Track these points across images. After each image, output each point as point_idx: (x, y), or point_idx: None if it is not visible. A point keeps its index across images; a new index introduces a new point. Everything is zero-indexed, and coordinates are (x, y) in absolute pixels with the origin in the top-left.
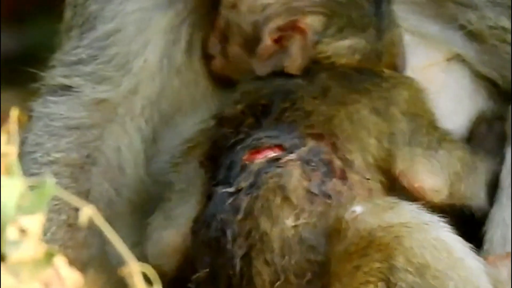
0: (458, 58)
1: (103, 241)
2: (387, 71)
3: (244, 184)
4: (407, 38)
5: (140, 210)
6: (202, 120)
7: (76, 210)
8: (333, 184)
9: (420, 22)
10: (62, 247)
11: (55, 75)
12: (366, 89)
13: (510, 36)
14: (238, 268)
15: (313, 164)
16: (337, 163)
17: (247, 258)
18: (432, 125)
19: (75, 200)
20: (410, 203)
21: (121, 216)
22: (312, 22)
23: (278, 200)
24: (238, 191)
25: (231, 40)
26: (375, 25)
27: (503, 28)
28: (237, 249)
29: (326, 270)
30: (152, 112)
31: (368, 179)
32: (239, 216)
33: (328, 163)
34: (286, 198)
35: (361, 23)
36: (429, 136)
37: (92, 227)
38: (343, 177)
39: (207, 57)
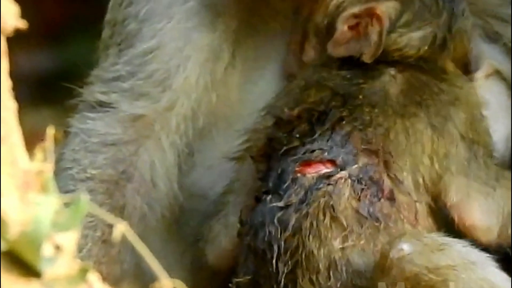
0: (497, 75)
1: (136, 257)
2: (451, 69)
3: (294, 199)
4: None
5: (172, 225)
6: (239, 132)
7: (110, 226)
8: (381, 205)
9: None
10: (97, 263)
11: (93, 92)
12: (425, 101)
13: None
14: (282, 284)
15: (363, 183)
16: (387, 182)
17: (292, 275)
18: (489, 156)
19: (108, 216)
20: (460, 241)
21: (153, 231)
22: (387, 9)
23: (327, 220)
24: (288, 206)
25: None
26: (449, 9)
27: None
28: (282, 265)
29: None
30: (187, 128)
31: (416, 201)
32: (287, 233)
33: (377, 182)
34: (335, 219)
35: (436, 9)
36: (487, 170)
37: (125, 243)
38: (391, 198)
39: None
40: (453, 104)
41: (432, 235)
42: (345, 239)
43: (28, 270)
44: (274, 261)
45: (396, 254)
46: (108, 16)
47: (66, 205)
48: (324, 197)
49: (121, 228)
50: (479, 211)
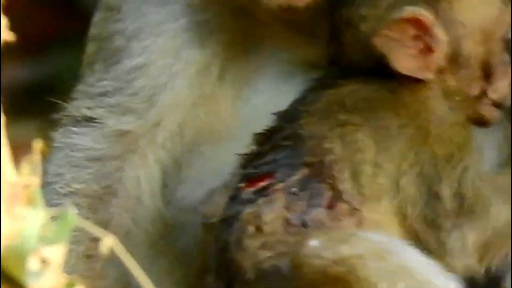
0: None
1: (121, 272)
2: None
3: (228, 214)
4: None
5: (158, 241)
6: (230, 150)
7: (95, 240)
8: (317, 214)
9: None
10: (81, 278)
11: (79, 106)
12: (371, 114)
13: None
14: None
15: (299, 194)
16: (327, 192)
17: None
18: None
19: (97, 230)
20: (371, 232)
21: (139, 247)
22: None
23: (252, 231)
24: (222, 221)
25: None
26: None
27: None
28: (219, 279)
29: None
30: (174, 143)
31: (356, 209)
32: (219, 247)
33: (317, 192)
34: (259, 229)
35: None
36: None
37: (110, 257)
38: (331, 207)
39: None
40: (404, 125)
41: (342, 229)
42: (271, 247)
43: (14, 284)
44: (214, 275)
45: (306, 251)
46: (92, 31)
47: (53, 218)
48: (254, 210)
49: (109, 242)
50: None
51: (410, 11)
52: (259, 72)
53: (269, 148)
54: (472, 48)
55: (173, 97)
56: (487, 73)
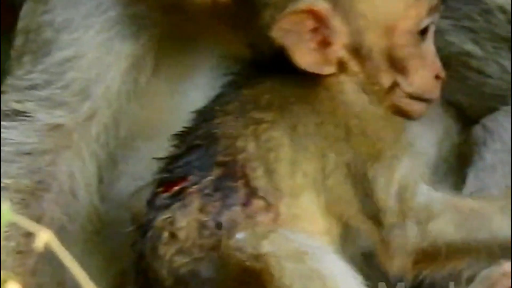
0: None
1: (56, 268)
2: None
3: (144, 221)
4: None
5: (94, 236)
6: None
7: (27, 236)
8: (231, 214)
9: None
10: (13, 275)
11: (7, 100)
12: (288, 110)
13: (474, 61)
14: None
15: (214, 194)
16: (242, 190)
17: None
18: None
19: (32, 225)
20: (294, 231)
21: (74, 242)
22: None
23: (166, 237)
24: (138, 228)
25: None
26: None
27: (468, 54)
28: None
29: None
30: (108, 137)
31: (271, 204)
32: (137, 257)
33: (232, 191)
34: (173, 235)
35: None
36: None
37: (42, 254)
38: (246, 204)
39: None
40: (321, 122)
41: (266, 225)
42: (186, 253)
43: None
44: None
45: (231, 245)
46: (20, 24)
47: None
48: (167, 215)
49: (44, 237)
50: None
51: (306, 2)
52: (196, 67)
53: (185, 150)
54: (374, 40)
55: (106, 90)
56: (397, 66)
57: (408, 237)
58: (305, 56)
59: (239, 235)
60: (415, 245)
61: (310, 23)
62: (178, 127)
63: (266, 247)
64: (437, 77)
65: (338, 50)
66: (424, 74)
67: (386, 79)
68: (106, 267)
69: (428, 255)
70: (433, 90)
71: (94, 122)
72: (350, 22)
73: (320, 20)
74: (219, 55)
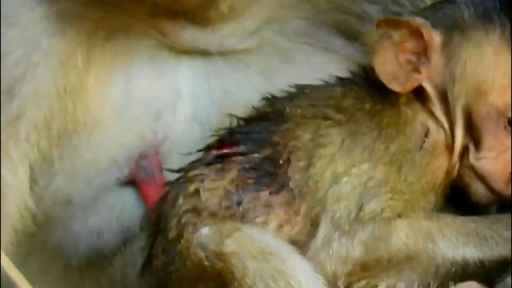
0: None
1: None
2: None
3: (184, 169)
4: (310, 53)
5: (30, 238)
6: (103, 140)
7: None
8: (255, 196)
9: (325, 37)
10: None
11: None
12: (354, 113)
13: None
14: (148, 246)
15: (252, 171)
16: (278, 179)
17: (153, 238)
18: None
19: None
20: (261, 230)
21: (10, 245)
22: None
23: (189, 190)
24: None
25: None
26: None
27: None
28: (150, 226)
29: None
30: (40, 137)
31: (295, 201)
32: (159, 199)
33: (268, 176)
34: (197, 191)
35: None
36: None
37: None
38: (274, 193)
39: None
40: (380, 134)
41: (233, 222)
42: (199, 213)
43: None
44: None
45: (194, 240)
46: None
47: None
48: (202, 171)
49: None
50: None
51: (425, 25)
52: (130, 61)
53: (255, 117)
54: (461, 93)
55: (35, 89)
56: (473, 133)
57: (354, 250)
58: (387, 64)
59: (203, 231)
60: (358, 258)
61: (414, 44)
62: (112, 121)
63: (229, 245)
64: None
65: (422, 80)
66: (496, 161)
67: (459, 137)
68: (47, 267)
69: (367, 270)
70: (502, 181)
71: (22, 122)
72: (450, 66)
73: (425, 47)
74: (154, 46)
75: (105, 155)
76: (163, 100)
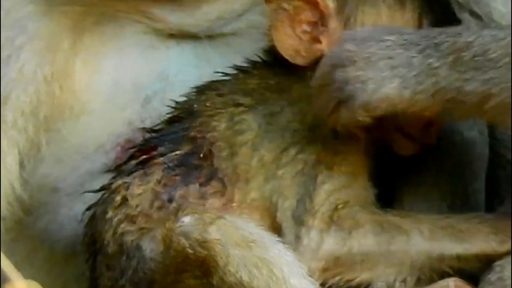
0: None
1: None
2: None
3: (105, 185)
4: None
5: (18, 222)
6: (90, 125)
7: None
8: (186, 191)
9: None
10: None
11: None
12: (265, 98)
13: None
14: (89, 270)
15: (176, 169)
16: (204, 170)
17: (92, 260)
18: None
19: None
20: (244, 220)
21: None
22: None
23: (117, 200)
24: (101, 189)
25: None
26: None
27: None
28: (86, 250)
29: (158, 281)
30: (27, 122)
31: (227, 188)
32: (88, 218)
33: (194, 169)
34: (125, 200)
35: None
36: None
37: None
38: (203, 185)
39: None
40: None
41: (214, 210)
42: (134, 221)
43: None
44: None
45: (176, 228)
46: None
47: None
48: (126, 180)
49: None
50: None
51: None
52: (119, 46)
53: (167, 121)
54: None
55: (20, 73)
56: None
57: (324, 244)
58: (286, 39)
59: (186, 219)
60: (329, 252)
61: (309, 14)
62: (100, 106)
63: (213, 233)
64: None
65: (324, 49)
66: None
67: None
68: (33, 253)
69: (341, 264)
70: (418, 129)
71: (8, 107)
72: (347, 29)
73: (321, 15)
74: (142, 32)
75: (92, 141)
76: (152, 86)
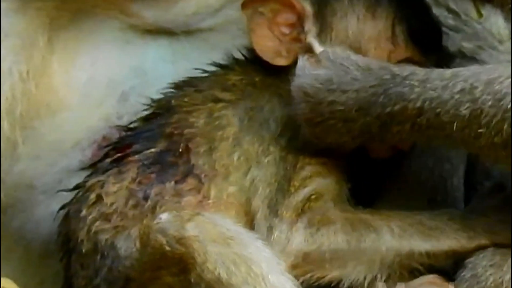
0: None
1: None
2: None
3: (80, 183)
4: None
5: None
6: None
7: None
8: (161, 188)
9: None
10: None
11: None
12: (239, 89)
13: None
14: (64, 269)
15: (152, 166)
16: (180, 167)
17: (67, 259)
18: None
19: None
20: (222, 217)
21: None
22: None
23: (91, 198)
24: (75, 188)
25: None
26: None
27: None
28: (60, 249)
29: (134, 279)
30: (2, 120)
31: (204, 184)
32: (62, 217)
33: (170, 167)
34: (100, 198)
35: None
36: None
37: None
38: (179, 182)
39: None
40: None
41: (191, 207)
42: (109, 219)
43: None
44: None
45: (154, 224)
46: None
47: None
48: (101, 179)
49: None
50: None
51: None
52: (95, 43)
53: (143, 118)
54: None
55: None
56: None
57: (293, 239)
58: (266, 41)
59: (164, 216)
60: (298, 248)
61: (286, 16)
62: (76, 103)
63: (190, 230)
64: None
65: (303, 49)
66: None
67: None
68: (9, 251)
69: (311, 261)
70: None
71: None
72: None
73: (298, 17)
74: (118, 28)
75: (68, 137)
76: (129, 82)
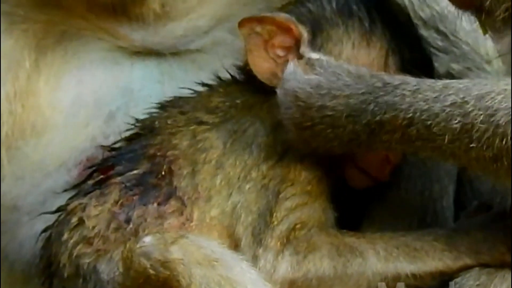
0: None
1: None
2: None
3: (62, 206)
4: None
5: None
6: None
7: None
8: (143, 211)
9: None
10: None
11: None
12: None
13: None
14: None
15: (134, 188)
16: (163, 189)
17: (49, 283)
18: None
19: None
20: (206, 239)
21: None
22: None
23: (73, 222)
24: (57, 211)
25: None
26: None
27: None
28: (42, 273)
29: None
30: None
31: (186, 206)
32: (44, 240)
33: (152, 189)
34: (81, 221)
35: None
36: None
37: None
38: (161, 204)
39: None
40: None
41: (176, 229)
42: (91, 243)
43: None
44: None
45: (137, 248)
46: None
47: None
48: (82, 201)
49: None
50: None
51: (285, 17)
52: (81, 63)
53: (126, 139)
54: None
55: None
56: None
57: (279, 267)
58: (262, 62)
59: (147, 239)
60: (284, 276)
61: (283, 39)
62: (62, 123)
63: (174, 253)
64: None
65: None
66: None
67: None
68: None
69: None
70: (377, 168)
71: None
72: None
73: (295, 41)
74: (106, 49)
75: (54, 158)
76: (115, 101)
